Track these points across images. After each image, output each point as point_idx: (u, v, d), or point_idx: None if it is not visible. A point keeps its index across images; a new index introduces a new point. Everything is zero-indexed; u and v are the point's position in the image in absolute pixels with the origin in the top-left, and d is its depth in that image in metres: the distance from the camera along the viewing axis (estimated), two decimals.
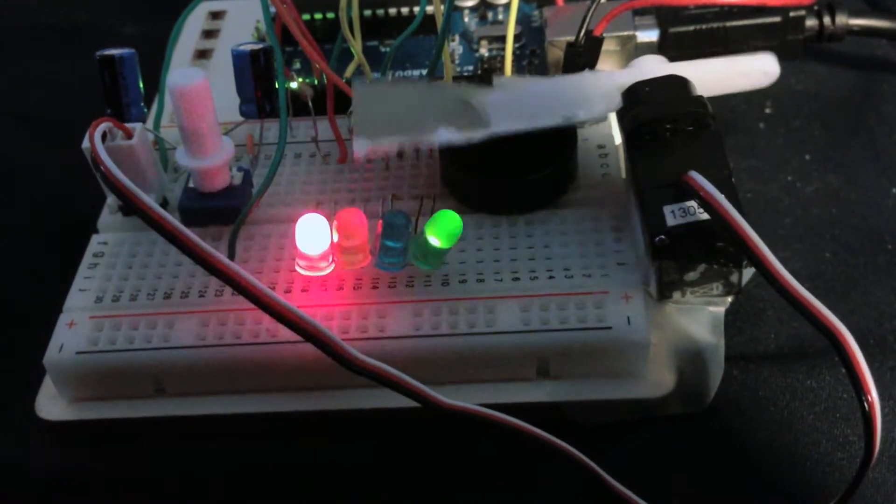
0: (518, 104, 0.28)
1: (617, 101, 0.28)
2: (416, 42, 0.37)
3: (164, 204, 0.31)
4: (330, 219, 0.27)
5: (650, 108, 0.27)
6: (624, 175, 0.30)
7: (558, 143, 0.29)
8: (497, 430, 0.25)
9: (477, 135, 0.28)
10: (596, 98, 0.28)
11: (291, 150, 0.32)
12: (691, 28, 0.35)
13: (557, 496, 0.26)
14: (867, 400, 0.21)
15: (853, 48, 0.39)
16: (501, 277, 0.28)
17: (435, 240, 0.27)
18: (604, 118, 0.29)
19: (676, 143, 0.26)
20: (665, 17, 0.35)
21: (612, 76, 0.29)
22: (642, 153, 0.27)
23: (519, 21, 0.36)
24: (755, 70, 0.29)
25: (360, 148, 0.28)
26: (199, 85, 0.27)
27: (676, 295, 0.27)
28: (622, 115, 0.28)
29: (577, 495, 0.26)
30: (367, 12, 0.37)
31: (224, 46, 0.38)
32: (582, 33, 0.32)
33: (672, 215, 0.25)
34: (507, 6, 0.38)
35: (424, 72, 0.35)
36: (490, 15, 0.38)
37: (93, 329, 0.27)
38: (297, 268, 0.28)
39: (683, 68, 0.29)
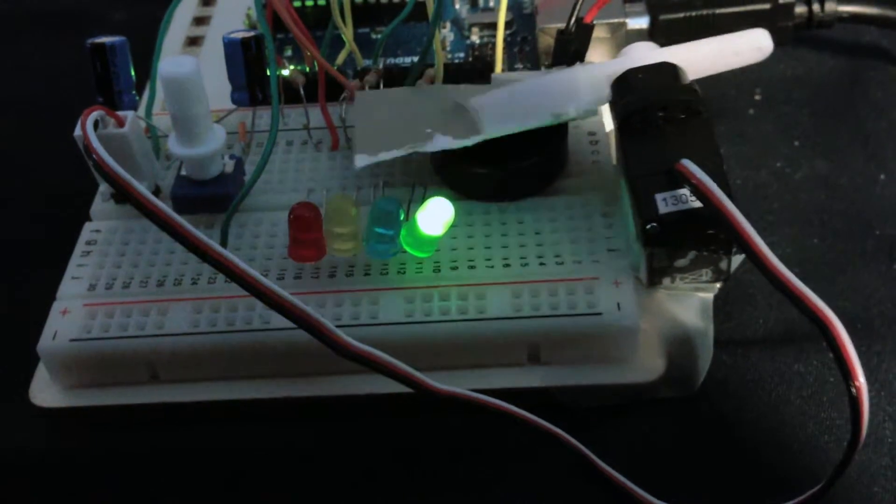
0: (509, 106, 0.28)
1: (607, 93, 0.28)
2: (407, 29, 0.37)
3: (157, 192, 0.31)
4: (320, 206, 0.27)
5: (641, 97, 0.27)
6: (614, 162, 0.30)
7: (549, 130, 0.29)
8: (489, 414, 0.25)
9: (471, 139, 0.28)
10: (587, 94, 0.28)
11: (283, 138, 0.32)
12: (681, 15, 0.35)
13: (548, 480, 0.26)
14: (854, 385, 0.21)
15: (842, 35, 0.39)
16: (492, 264, 0.28)
17: (427, 227, 0.27)
18: (595, 112, 0.29)
19: (668, 130, 0.26)
20: (655, 5, 0.35)
21: (603, 68, 0.29)
22: (634, 141, 0.27)
23: (510, 8, 0.36)
24: (748, 47, 0.29)
25: (362, 162, 0.28)
26: (190, 73, 0.28)
27: (666, 281, 0.27)
28: (614, 104, 0.28)
29: (568, 479, 0.26)
30: None
31: (215, 34, 0.38)
32: (572, 20, 0.32)
33: (664, 203, 0.25)
34: None
35: (416, 59, 0.35)
36: (481, 2, 0.38)
37: (86, 316, 0.28)
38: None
39: (675, 52, 0.29)
